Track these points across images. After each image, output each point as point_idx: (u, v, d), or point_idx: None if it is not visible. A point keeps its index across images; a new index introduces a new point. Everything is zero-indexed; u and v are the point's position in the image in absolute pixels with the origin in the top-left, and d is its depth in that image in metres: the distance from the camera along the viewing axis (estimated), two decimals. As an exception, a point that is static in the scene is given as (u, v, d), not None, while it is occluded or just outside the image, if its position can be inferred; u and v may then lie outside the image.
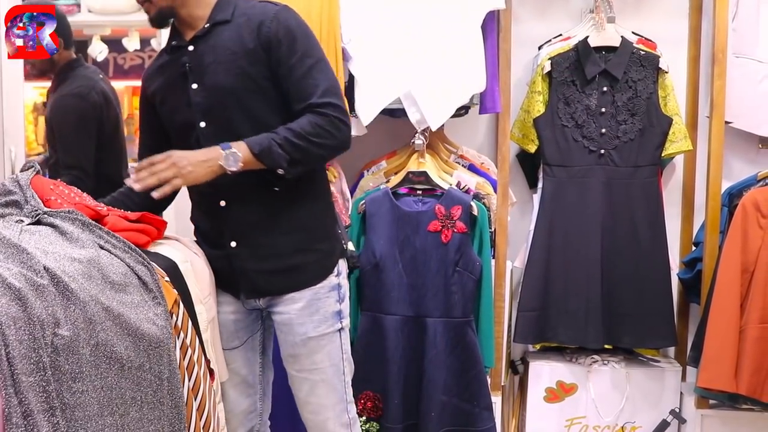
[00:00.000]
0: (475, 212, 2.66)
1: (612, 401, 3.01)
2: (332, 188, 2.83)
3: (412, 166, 2.79)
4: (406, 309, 2.69)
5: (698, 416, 2.89)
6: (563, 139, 2.93)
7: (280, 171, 1.90)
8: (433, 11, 2.76)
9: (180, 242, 1.96)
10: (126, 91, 4.72)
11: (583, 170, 2.93)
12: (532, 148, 2.98)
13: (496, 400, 2.86)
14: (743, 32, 2.99)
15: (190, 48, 1.99)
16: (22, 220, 1.58)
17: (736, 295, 2.65)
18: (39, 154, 4.29)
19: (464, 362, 2.67)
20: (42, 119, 4.27)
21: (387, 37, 2.76)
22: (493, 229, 2.81)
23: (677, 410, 2.98)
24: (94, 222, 1.66)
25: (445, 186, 2.73)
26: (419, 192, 2.74)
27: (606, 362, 3.03)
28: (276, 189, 1.97)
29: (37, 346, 1.22)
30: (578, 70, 2.92)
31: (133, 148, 2.80)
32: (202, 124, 1.98)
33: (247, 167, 1.88)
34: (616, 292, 2.92)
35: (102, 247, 1.57)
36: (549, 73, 2.94)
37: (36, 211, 1.62)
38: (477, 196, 2.74)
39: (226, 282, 2.07)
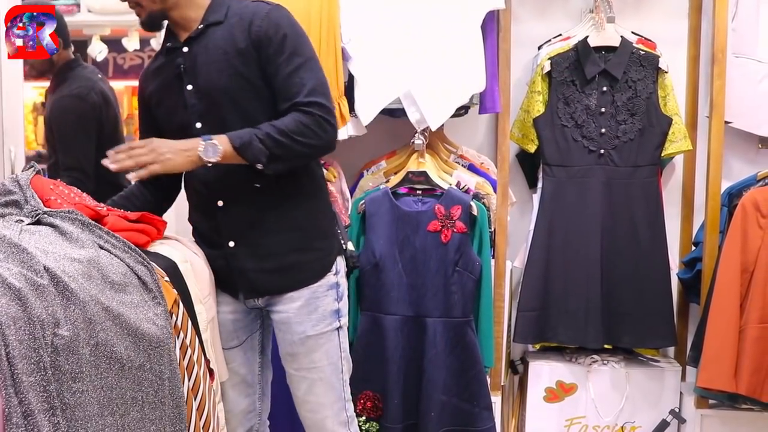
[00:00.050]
0: (475, 212, 2.66)
1: (612, 401, 3.01)
2: (332, 188, 2.83)
3: (412, 166, 2.79)
4: (406, 309, 2.69)
5: (698, 416, 2.89)
6: (563, 139, 2.93)
7: (259, 166, 1.89)
8: (433, 11, 2.76)
9: (180, 242, 1.96)
10: (126, 91, 4.72)
11: (583, 170, 2.93)
12: (532, 148, 2.98)
13: (496, 400, 2.86)
14: (743, 32, 2.99)
15: (185, 49, 1.99)
16: (22, 220, 1.58)
17: (736, 295, 2.65)
18: (35, 152, 4.29)
19: (464, 362, 2.67)
20: (41, 119, 4.27)
21: (387, 37, 2.76)
22: (492, 229, 2.81)
23: (677, 410, 2.98)
24: (94, 222, 1.66)
25: (445, 186, 2.73)
26: (419, 192, 2.74)
27: (606, 362, 3.03)
28: (257, 185, 1.96)
29: (37, 346, 1.22)
30: (578, 70, 2.92)
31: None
32: (198, 125, 1.98)
33: (227, 161, 1.88)
34: (616, 292, 2.92)
35: (102, 247, 1.58)
36: (549, 73, 2.94)
37: (36, 211, 1.62)
38: (477, 196, 2.73)
39: (224, 282, 2.07)
